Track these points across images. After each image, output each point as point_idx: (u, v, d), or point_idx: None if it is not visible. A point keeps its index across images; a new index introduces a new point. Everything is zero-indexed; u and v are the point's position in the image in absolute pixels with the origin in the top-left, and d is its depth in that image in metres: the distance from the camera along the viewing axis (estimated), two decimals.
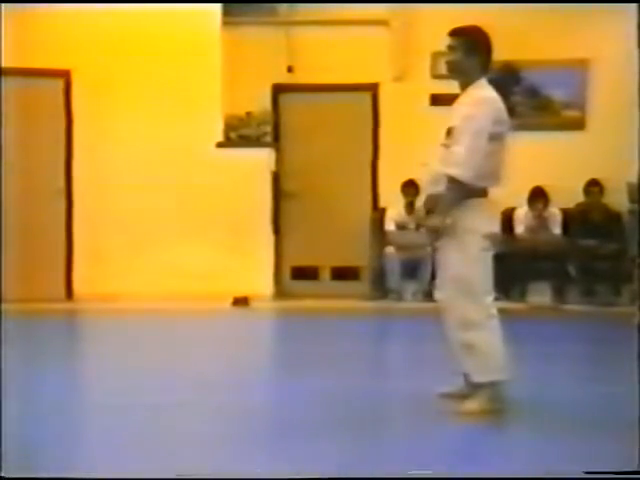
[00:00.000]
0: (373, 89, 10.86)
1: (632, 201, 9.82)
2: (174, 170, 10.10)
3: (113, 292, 9.88)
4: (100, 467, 3.77)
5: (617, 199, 10.10)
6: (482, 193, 4.69)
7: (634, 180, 9.35)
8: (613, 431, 4.34)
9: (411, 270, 10.13)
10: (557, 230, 10.04)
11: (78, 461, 3.91)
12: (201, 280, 9.80)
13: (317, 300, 10.17)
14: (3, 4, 9.52)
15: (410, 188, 9.99)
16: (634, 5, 8.93)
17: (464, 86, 4.77)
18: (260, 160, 10.34)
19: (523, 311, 9.41)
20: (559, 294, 9.91)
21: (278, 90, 10.86)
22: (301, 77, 10.73)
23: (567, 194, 10.01)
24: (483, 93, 4.72)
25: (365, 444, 4.17)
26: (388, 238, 10.28)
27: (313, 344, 7.32)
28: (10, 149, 9.84)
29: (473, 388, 4.71)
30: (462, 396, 4.75)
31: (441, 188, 4.63)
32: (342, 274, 10.82)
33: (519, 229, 10.02)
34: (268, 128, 10.65)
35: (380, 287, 10.32)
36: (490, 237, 4.70)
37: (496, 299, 4.79)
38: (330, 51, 10.59)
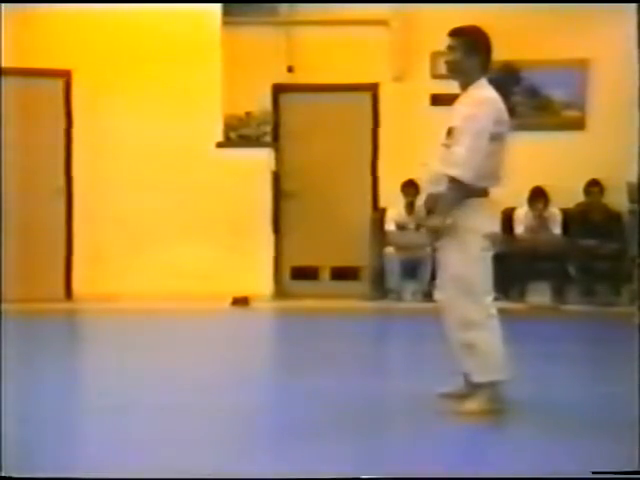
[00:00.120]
0: (373, 89, 10.86)
1: (632, 201, 9.82)
2: (174, 170, 10.10)
3: (113, 292, 9.88)
4: (100, 467, 3.77)
5: (617, 199, 10.09)
6: (483, 193, 4.69)
7: (634, 180, 9.36)
8: (613, 431, 4.34)
9: (411, 270, 10.14)
10: (557, 230, 10.04)
11: (78, 461, 3.91)
12: (201, 280, 9.80)
13: (317, 300, 10.17)
14: (3, 4, 9.53)
15: (410, 188, 9.99)
16: (634, 5, 8.97)
17: (464, 86, 4.77)
18: (260, 160, 10.34)
19: (523, 311, 9.41)
20: (559, 294, 9.91)
21: (278, 90, 10.86)
22: (301, 77, 10.73)
23: (567, 194, 10.00)
24: (484, 93, 4.72)
25: (365, 444, 4.17)
26: (388, 238, 10.28)
27: (313, 344, 7.32)
28: (10, 149, 9.84)
29: (473, 388, 4.71)
30: (462, 396, 4.75)
31: (441, 188, 4.63)
32: (342, 274, 10.82)
33: (519, 229, 10.01)
34: (268, 128, 10.65)
35: (380, 287, 10.32)
36: (490, 237, 4.70)
37: (496, 299, 4.79)
38: (330, 51, 10.59)
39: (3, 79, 9.68)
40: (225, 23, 10.31)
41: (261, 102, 10.69)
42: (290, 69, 10.74)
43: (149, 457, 3.93)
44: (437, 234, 4.72)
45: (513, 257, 9.32)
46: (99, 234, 10.14)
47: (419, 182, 9.11)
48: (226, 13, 10.34)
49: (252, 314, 9.61)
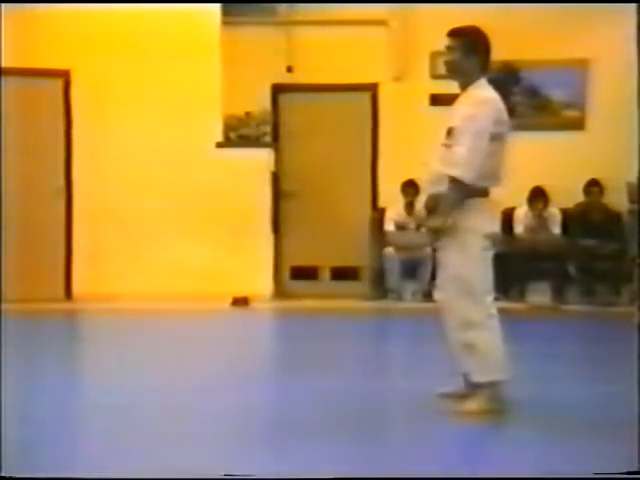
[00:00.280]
0: (372, 89, 10.86)
1: (632, 201, 9.82)
2: (174, 170, 10.10)
3: (113, 292, 9.87)
4: (100, 467, 3.76)
5: (617, 199, 10.10)
6: (483, 193, 4.68)
7: (634, 180, 9.36)
8: (613, 431, 4.33)
9: (411, 270, 10.14)
10: (557, 230, 10.04)
11: (78, 461, 3.91)
12: (201, 280, 9.80)
13: (317, 300, 10.17)
14: (3, 4, 9.53)
15: (410, 188, 9.99)
16: (634, 5, 8.97)
17: (464, 86, 4.76)
18: (260, 160, 10.34)
19: (523, 311, 9.41)
20: (559, 294, 9.91)
21: (278, 90, 10.86)
22: (301, 77, 10.74)
23: (567, 194, 10.01)
24: (484, 93, 4.72)
25: (365, 444, 4.17)
26: (388, 238, 10.29)
27: (313, 344, 7.32)
28: (10, 149, 9.85)
29: (473, 388, 4.71)
30: (462, 396, 4.75)
31: (442, 188, 4.62)
32: (342, 274, 10.82)
33: (519, 229, 10.02)
34: (268, 128, 10.66)
35: (380, 287, 10.32)
36: (490, 237, 4.69)
37: (496, 299, 4.79)
38: (330, 51, 10.60)
39: (3, 79, 9.69)
40: (225, 23, 10.32)
41: (261, 102, 10.70)
42: (289, 69, 10.74)
43: (149, 457, 3.93)
44: (438, 234, 4.72)
45: (513, 257, 9.32)
46: (99, 234, 10.14)
47: (419, 182, 9.11)
48: (226, 13, 10.34)
49: (252, 314, 9.61)
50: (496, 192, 4.78)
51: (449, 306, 4.72)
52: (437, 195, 4.67)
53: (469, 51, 4.72)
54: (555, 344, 7.37)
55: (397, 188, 10.23)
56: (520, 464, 3.84)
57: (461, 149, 4.55)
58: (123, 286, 9.91)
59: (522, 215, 10.03)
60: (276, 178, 10.48)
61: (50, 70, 10.07)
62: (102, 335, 8.14)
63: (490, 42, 4.80)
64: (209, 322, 8.95)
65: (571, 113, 10.65)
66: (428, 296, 8.84)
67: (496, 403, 4.66)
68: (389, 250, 10.21)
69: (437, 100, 10.03)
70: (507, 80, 10.02)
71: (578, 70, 10.48)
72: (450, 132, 4.64)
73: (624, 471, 3.53)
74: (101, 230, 10.14)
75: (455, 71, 4.79)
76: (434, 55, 10.02)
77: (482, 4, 9.49)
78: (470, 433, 4.42)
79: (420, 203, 6.65)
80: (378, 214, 10.58)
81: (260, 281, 10.24)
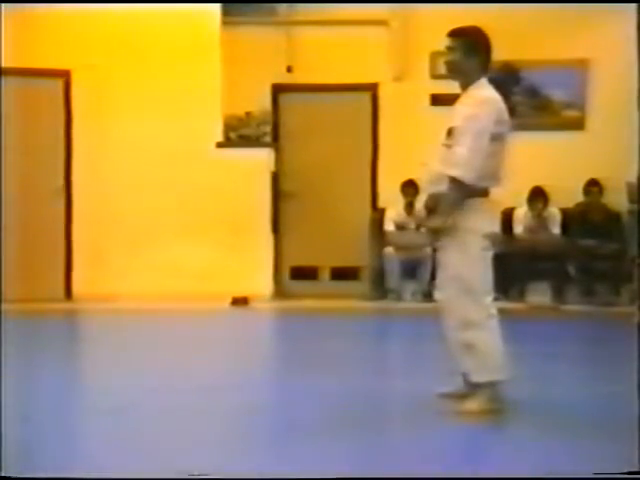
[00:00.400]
0: (373, 89, 10.86)
1: (632, 201, 9.82)
2: (174, 170, 10.10)
3: (112, 292, 9.88)
4: (100, 467, 3.77)
5: (617, 199, 10.10)
6: (483, 193, 4.69)
7: (634, 180, 9.36)
8: (613, 431, 4.34)
9: (411, 270, 10.14)
10: (556, 230, 10.04)
11: (78, 461, 3.91)
12: (200, 280, 9.80)
13: (317, 300, 10.17)
14: (3, 4, 9.53)
15: (410, 188, 10.00)
16: (634, 5, 8.96)
17: (464, 86, 4.76)
18: (260, 160, 10.34)
19: (522, 311, 9.41)
20: (559, 294, 9.91)
21: (278, 90, 10.86)
22: (301, 77, 10.74)
23: (567, 194, 10.01)
24: (485, 93, 4.72)
25: (365, 444, 4.17)
26: (387, 238, 10.29)
27: (313, 344, 7.32)
28: (10, 149, 9.85)
29: (472, 388, 4.71)
30: (461, 396, 4.75)
31: (442, 188, 4.62)
32: (342, 274, 10.82)
33: (518, 229, 10.02)
34: (268, 128, 10.66)
35: (380, 287, 10.32)
36: (490, 237, 4.70)
37: (496, 299, 4.79)
38: (330, 51, 10.60)
39: (3, 79, 9.69)
40: (225, 23, 10.32)
41: (261, 102, 10.70)
42: (289, 69, 10.74)
43: (149, 457, 3.93)
44: (437, 234, 4.72)
45: (513, 257, 9.32)
46: (99, 234, 10.14)
47: (419, 182, 9.11)
48: (226, 13, 10.34)
49: (252, 314, 9.61)
50: (496, 192, 4.78)
51: (449, 306, 4.73)
52: (437, 195, 4.67)
53: (470, 51, 4.73)
54: (555, 344, 7.37)
55: (397, 188, 10.23)
56: (520, 464, 3.84)
57: (461, 149, 4.55)
58: (123, 286, 9.92)
59: (522, 215, 10.04)
60: (276, 178, 10.48)
61: (50, 70, 10.07)
62: (102, 335, 8.14)
63: (491, 42, 4.80)
64: (209, 322, 8.95)
65: (571, 113, 10.65)
66: (428, 296, 8.86)
67: (496, 403, 4.66)
68: (389, 250, 10.22)
69: (437, 100, 10.04)
70: (507, 80, 10.02)
71: (578, 70, 10.49)
72: (451, 132, 4.64)
73: (624, 471, 3.53)
74: (101, 230, 10.15)
75: (456, 71, 4.79)
76: (434, 55, 10.03)
77: (482, 4, 9.49)
78: (470, 433, 4.42)
79: (420, 203, 6.64)
80: (378, 214, 10.58)
81: (260, 281, 10.24)
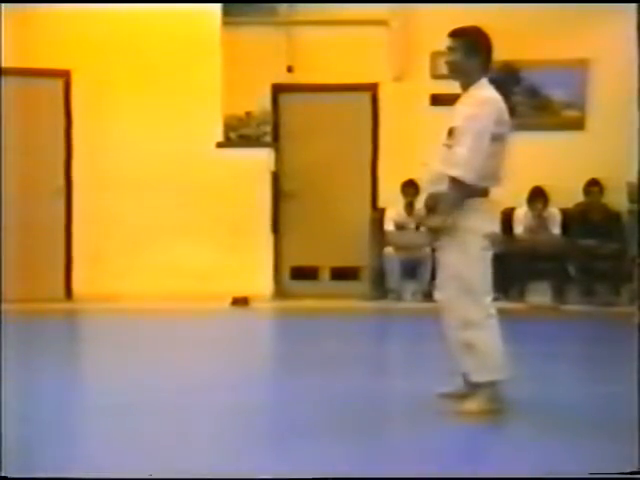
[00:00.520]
0: (373, 89, 10.86)
1: (632, 201, 9.82)
2: (174, 170, 10.10)
3: (113, 292, 9.87)
4: (100, 467, 3.77)
5: (617, 199, 10.10)
6: (483, 193, 4.69)
7: (634, 180, 9.36)
8: (613, 431, 4.34)
9: (411, 270, 10.14)
10: (556, 230, 10.04)
11: (78, 461, 3.91)
12: (201, 280, 9.80)
13: (317, 300, 10.17)
14: (3, 4, 9.53)
15: (410, 188, 9.99)
16: (634, 5, 8.96)
17: (465, 87, 4.76)
18: (260, 160, 10.34)
19: (523, 311, 9.41)
20: (559, 294, 9.91)
21: (278, 90, 10.87)
22: (301, 77, 10.74)
23: (567, 194, 10.01)
24: (485, 93, 4.72)
25: (365, 444, 4.17)
26: (387, 238, 10.29)
27: (313, 344, 7.32)
28: (10, 149, 9.85)
29: (472, 388, 4.71)
30: (461, 396, 4.75)
31: (442, 188, 4.63)
32: (342, 274, 10.82)
33: (518, 229, 10.02)
34: (268, 128, 10.66)
35: (380, 287, 10.32)
36: (490, 237, 4.70)
37: (496, 299, 4.79)
38: (330, 51, 10.60)
39: (3, 79, 9.68)
40: (225, 23, 10.31)
41: (261, 102, 10.70)
42: (290, 69, 10.74)
43: (149, 457, 3.93)
44: (437, 233, 4.72)
45: (513, 257, 9.33)
46: (99, 234, 10.14)
47: (419, 182, 9.11)
48: (226, 13, 10.34)
49: (252, 314, 9.61)
50: (496, 192, 4.78)
51: (449, 306, 4.73)
52: (437, 194, 4.67)
53: (471, 51, 4.72)
54: (555, 344, 7.37)
55: (397, 188, 10.22)
56: (520, 464, 3.84)
57: (461, 149, 4.55)
58: (123, 286, 9.92)
59: (522, 215, 10.03)
60: (276, 178, 10.48)
61: (50, 70, 10.06)
62: (102, 335, 8.14)
63: (492, 42, 4.80)
64: (209, 322, 8.95)
65: (571, 113, 10.65)
66: (428, 296, 8.84)
67: (495, 403, 4.66)
68: (389, 250, 10.22)
69: (437, 100, 10.04)
70: (508, 80, 10.02)
71: (578, 70, 10.48)
72: (451, 132, 4.64)
73: (624, 471, 3.53)
74: (101, 230, 10.14)
75: (457, 71, 4.79)
76: (434, 55, 10.03)
77: (482, 4, 9.49)
78: (470, 433, 4.42)
79: (420, 203, 6.64)
80: (378, 214, 10.58)
81: (260, 281, 10.24)
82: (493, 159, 4.62)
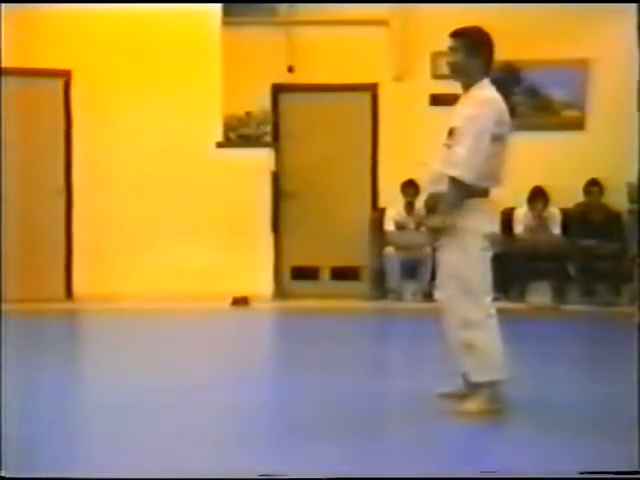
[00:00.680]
0: (373, 89, 10.86)
1: (632, 201, 9.82)
2: (174, 170, 10.10)
3: (113, 292, 9.87)
4: (100, 467, 3.77)
5: (617, 199, 10.10)
6: (483, 193, 4.69)
7: (634, 180, 9.34)
8: (613, 431, 4.34)
9: (411, 270, 10.14)
10: (557, 230, 10.04)
11: (78, 461, 3.91)
12: (201, 280, 9.80)
13: (317, 300, 10.17)
14: (3, 4, 9.52)
15: (410, 188, 10.00)
16: (634, 5, 8.94)
17: (466, 87, 4.76)
18: (260, 160, 10.34)
19: (523, 311, 9.41)
20: (559, 294, 9.91)
21: (278, 90, 10.87)
22: (301, 77, 10.74)
23: (567, 194, 10.01)
24: (486, 94, 4.72)
25: (365, 444, 4.17)
26: (388, 238, 10.29)
27: (313, 344, 7.32)
28: (10, 149, 9.84)
29: (472, 388, 4.71)
30: (461, 396, 4.75)
31: (442, 187, 4.63)
32: (342, 274, 10.82)
33: (518, 229, 10.02)
34: (268, 128, 10.65)
35: (380, 287, 10.32)
36: (490, 237, 4.70)
37: (496, 299, 4.79)
38: (330, 51, 10.60)
39: (3, 79, 9.68)
40: (225, 23, 10.31)
41: (261, 102, 10.69)
42: (290, 69, 10.74)
43: (149, 457, 3.93)
44: (437, 233, 4.72)
45: (513, 257, 9.33)
46: (99, 234, 10.14)
47: (419, 182, 9.11)
48: (226, 13, 10.34)
49: (252, 314, 9.61)
50: (496, 192, 4.79)
51: (449, 306, 4.73)
52: (437, 194, 4.67)
53: (472, 52, 4.72)
54: (555, 344, 7.37)
55: (397, 188, 10.23)
56: (520, 464, 3.84)
57: (461, 149, 4.55)
58: (123, 286, 9.92)
59: (522, 215, 10.04)
60: (276, 178, 10.48)
61: (50, 70, 10.06)
62: (102, 335, 8.14)
63: (493, 42, 4.80)
64: (209, 322, 8.95)
65: (571, 113, 10.65)
66: (428, 296, 8.86)
67: (495, 403, 4.67)
68: (389, 250, 10.22)
69: (437, 100, 10.04)
70: (508, 80, 10.02)
71: (578, 70, 10.49)
72: (452, 132, 4.64)
73: (624, 471, 3.53)
74: (101, 230, 10.14)
75: (458, 72, 4.79)
76: (435, 55, 10.04)
77: (482, 4, 9.49)
78: (470, 433, 4.42)
79: (420, 203, 6.64)
80: (378, 214, 10.58)
81: (260, 281, 10.23)
82: (493, 159, 4.62)
